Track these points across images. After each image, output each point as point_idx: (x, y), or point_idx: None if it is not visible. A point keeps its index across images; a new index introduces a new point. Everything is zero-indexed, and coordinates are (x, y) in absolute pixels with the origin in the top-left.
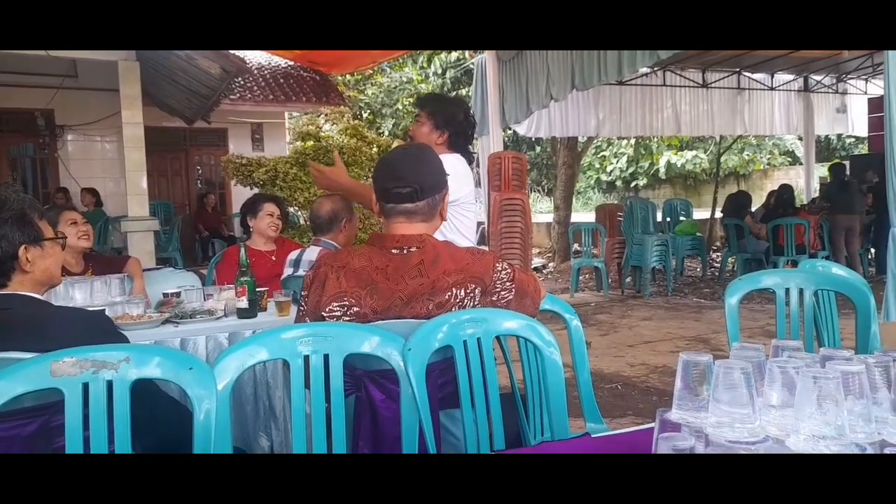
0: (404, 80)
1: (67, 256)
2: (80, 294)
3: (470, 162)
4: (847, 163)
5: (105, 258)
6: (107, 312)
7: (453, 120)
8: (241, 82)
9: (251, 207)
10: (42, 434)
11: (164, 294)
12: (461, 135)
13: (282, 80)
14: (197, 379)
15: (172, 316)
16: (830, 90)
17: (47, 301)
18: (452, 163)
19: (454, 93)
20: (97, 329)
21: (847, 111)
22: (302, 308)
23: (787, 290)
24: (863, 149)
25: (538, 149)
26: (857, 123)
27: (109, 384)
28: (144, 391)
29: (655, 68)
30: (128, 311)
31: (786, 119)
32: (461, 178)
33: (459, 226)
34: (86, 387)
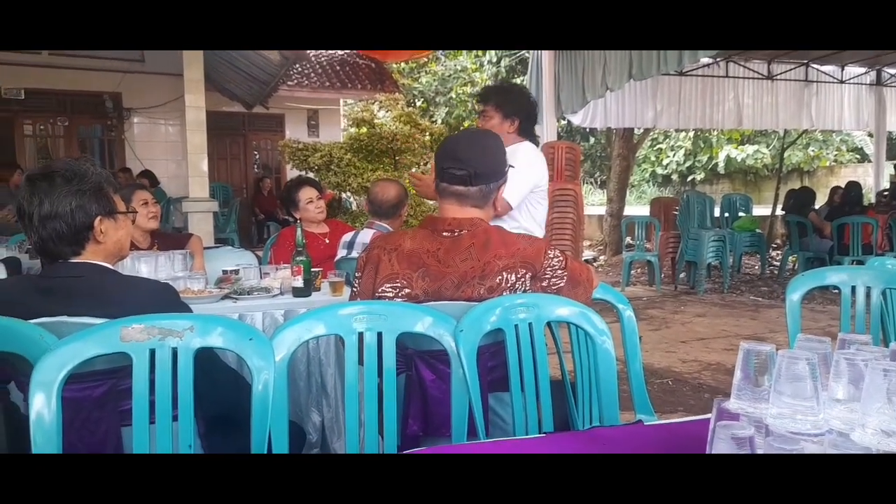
0: (458, 68)
1: (136, 233)
2: (145, 267)
3: (536, 146)
4: None
5: (170, 235)
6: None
7: (520, 106)
8: (299, 69)
9: (290, 201)
10: (110, 396)
11: (223, 271)
12: (529, 120)
13: (338, 68)
14: (257, 350)
15: (231, 292)
16: None
17: (117, 271)
18: (526, 151)
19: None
20: (164, 300)
21: None
22: (355, 289)
23: (854, 289)
24: None
25: (592, 140)
26: None
27: (174, 351)
28: (206, 360)
29: (717, 59)
30: (189, 285)
31: (855, 114)
32: (538, 166)
33: (535, 213)
34: (153, 353)
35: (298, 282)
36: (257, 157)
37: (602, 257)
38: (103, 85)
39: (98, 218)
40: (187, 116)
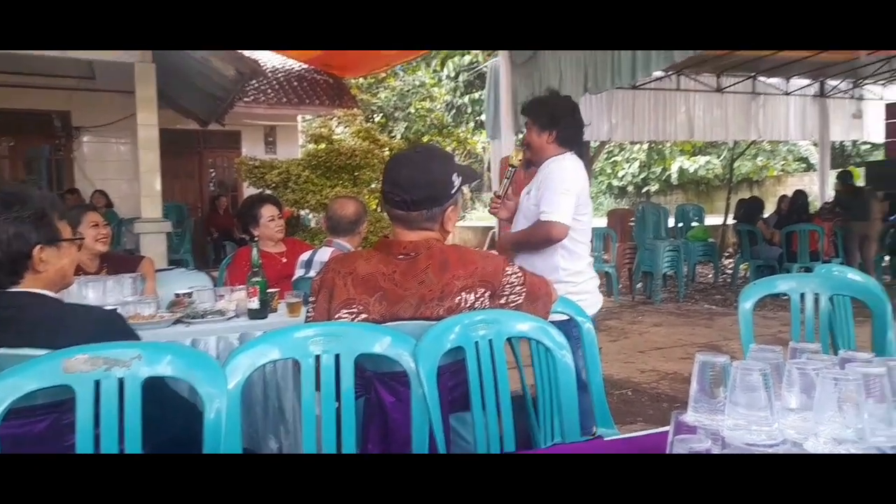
0: (417, 83)
1: (83, 257)
2: (92, 293)
3: (581, 156)
4: (862, 169)
5: (120, 257)
6: (119, 312)
7: (556, 118)
8: (256, 85)
9: (249, 216)
10: (53, 432)
11: (175, 294)
12: (569, 131)
13: (295, 83)
14: (208, 377)
15: (184, 316)
16: (846, 95)
17: (59, 299)
18: (559, 166)
19: (466, 96)
20: (110, 328)
21: (863, 117)
22: (310, 314)
23: (803, 296)
24: (878, 155)
25: None
26: (873, 129)
27: (121, 382)
28: (155, 389)
29: (669, 72)
30: (139, 310)
31: (801, 125)
32: (570, 177)
33: (577, 225)
34: (97, 384)
35: (254, 303)
36: (213, 174)
37: None
38: (51, 103)
39: (38, 246)
40: (139, 134)
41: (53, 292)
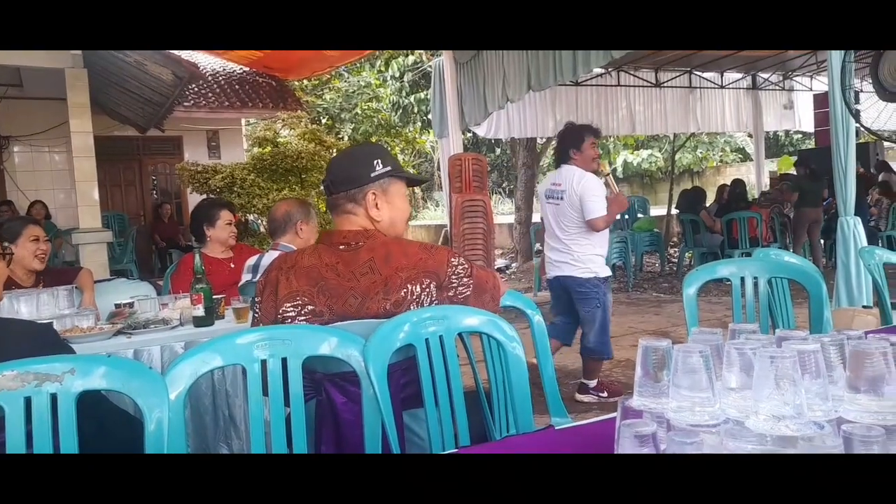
0: (362, 84)
1: (18, 271)
2: (25, 307)
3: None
4: (794, 158)
5: (56, 270)
6: (55, 326)
7: (559, 140)
8: (195, 89)
9: (207, 216)
10: None
11: (115, 305)
12: (561, 147)
13: (237, 87)
14: (147, 388)
15: (125, 327)
16: (777, 87)
17: None
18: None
19: (412, 96)
20: (41, 342)
21: (794, 107)
22: (256, 315)
23: (743, 280)
24: (809, 144)
25: (498, 150)
26: (804, 119)
27: (54, 398)
28: (93, 404)
29: (609, 69)
30: (77, 323)
31: (736, 116)
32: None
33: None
34: (28, 401)
35: (199, 311)
36: (155, 182)
37: (514, 264)
38: None
39: None
40: (73, 143)
41: None
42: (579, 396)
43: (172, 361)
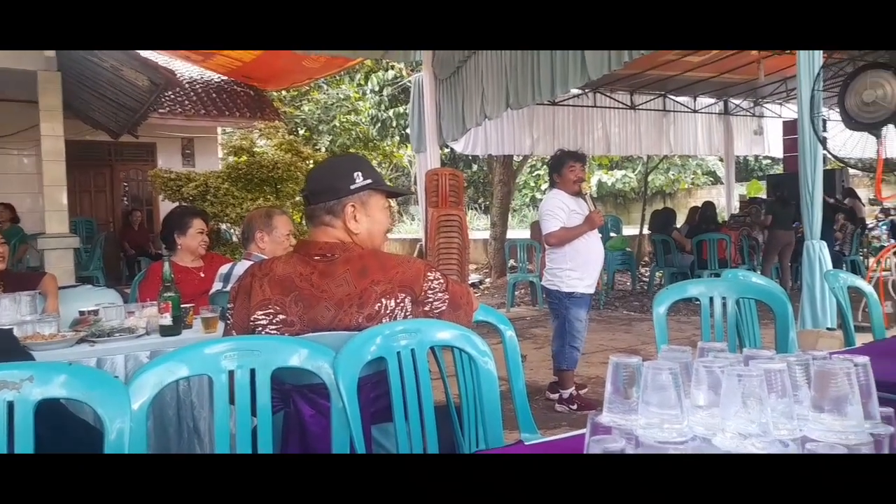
0: (341, 97)
1: None
2: None
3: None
4: (763, 182)
5: (19, 275)
6: (16, 332)
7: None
8: (171, 96)
9: (179, 223)
10: None
11: (80, 312)
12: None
13: (214, 95)
14: (108, 397)
15: (88, 335)
16: (748, 113)
17: None
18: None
19: (391, 110)
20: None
21: (764, 133)
22: (229, 322)
23: (712, 300)
24: (778, 169)
25: (475, 167)
26: (773, 145)
27: (10, 406)
28: (52, 413)
29: (586, 90)
30: (39, 330)
31: (708, 140)
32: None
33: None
34: None
35: (166, 319)
36: (126, 188)
37: (487, 280)
38: None
39: None
40: (43, 146)
41: None
42: (549, 394)
43: (136, 370)
